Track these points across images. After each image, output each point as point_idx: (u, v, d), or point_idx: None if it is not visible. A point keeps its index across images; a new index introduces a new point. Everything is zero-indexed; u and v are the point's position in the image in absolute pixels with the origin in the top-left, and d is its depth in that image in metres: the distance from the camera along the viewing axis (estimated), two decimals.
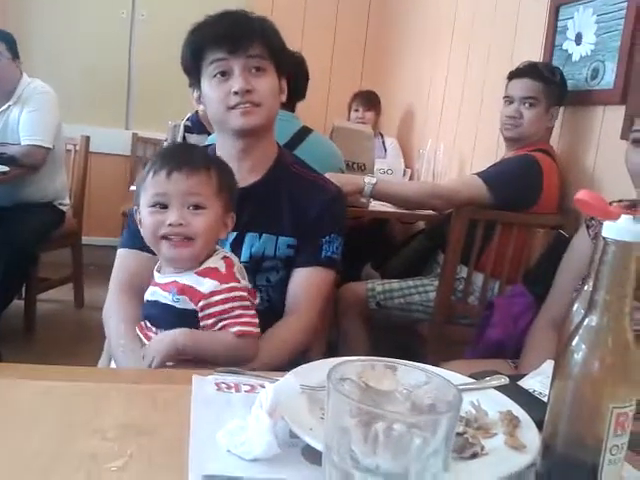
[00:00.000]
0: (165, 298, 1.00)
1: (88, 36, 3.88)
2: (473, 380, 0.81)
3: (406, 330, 2.24)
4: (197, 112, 2.96)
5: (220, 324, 0.98)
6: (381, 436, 0.48)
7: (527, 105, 2.06)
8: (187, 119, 2.97)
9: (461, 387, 0.55)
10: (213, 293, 0.96)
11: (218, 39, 1.13)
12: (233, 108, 1.14)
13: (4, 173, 2.48)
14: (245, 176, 1.20)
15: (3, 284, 2.59)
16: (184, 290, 0.97)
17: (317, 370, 0.74)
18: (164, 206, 0.97)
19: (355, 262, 2.58)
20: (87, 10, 3.86)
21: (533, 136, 2.08)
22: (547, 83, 2.05)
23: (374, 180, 2.03)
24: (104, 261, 3.03)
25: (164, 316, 1.01)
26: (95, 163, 3.43)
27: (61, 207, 2.92)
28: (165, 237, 0.97)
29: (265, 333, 1.12)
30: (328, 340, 2.11)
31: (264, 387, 0.70)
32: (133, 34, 3.97)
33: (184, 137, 2.90)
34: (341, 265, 1.26)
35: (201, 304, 0.97)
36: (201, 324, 0.98)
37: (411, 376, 0.55)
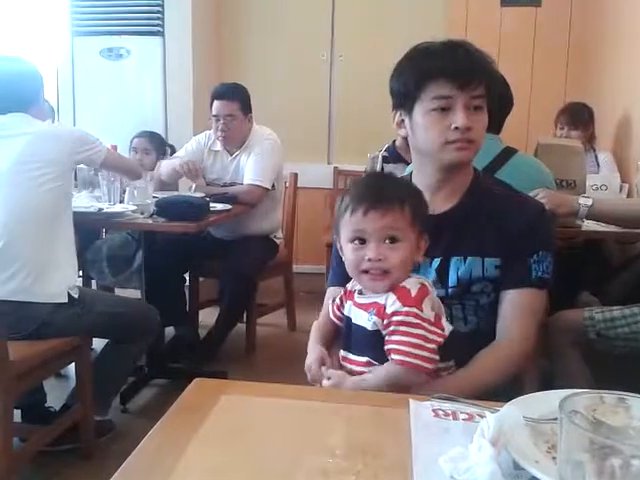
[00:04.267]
0: (361, 318, 1.05)
1: (293, 80, 4.22)
2: None
3: (633, 362, 2.02)
4: (394, 142, 3.05)
5: (388, 346, 1.01)
6: (618, 472, 0.45)
7: None
8: (384, 150, 3.07)
9: None
10: (393, 314, 1.00)
11: (446, 74, 1.12)
12: (451, 143, 1.14)
13: (227, 211, 2.79)
14: (440, 204, 1.20)
15: (230, 309, 2.91)
16: (379, 311, 1.02)
17: (539, 402, 0.72)
18: (363, 241, 1.04)
19: (569, 287, 2.42)
20: (291, 55, 4.20)
21: None
22: None
23: (590, 201, 1.89)
24: (312, 287, 3.24)
25: (356, 337, 1.07)
26: (302, 197, 3.69)
27: (275, 240, 3.21)
28: (365, 271, 1.04)
29: (472, 359, 1.11)
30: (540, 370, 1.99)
31: (483, 416, 0.70)
32: (333, 75, 4.24)
33: (382, 167, 3.01)
34: (553, 288, 1.20)
35: (385, 322, 1.01)
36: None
37: None
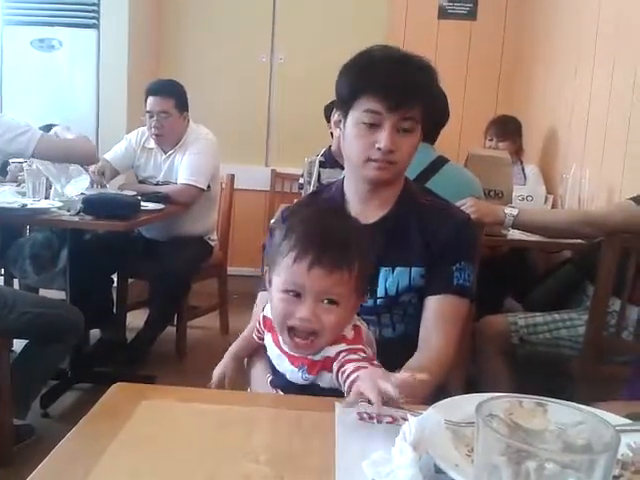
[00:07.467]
0: (288, 370, 0.98)
1: (231, 81, 4.16)
2: (629, 421, 0.75)
3: (553, 367, 2.11)
4: (330, 147, 3.07)
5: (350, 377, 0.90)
6: (532, 475, 0.46)
7: None
8: (321, 155, 3.09)
9: (617, 428, 0.52)
10: (340, 353, 0.93)
11: (378, 93, 1.11)
12: (372, 161, 1.14)
13: (160, 210, 2.73)
14: (370, 214, 1.21)
15: (160, 312, 2.84)
16: (311, 367, 0.95)
17: (460, 405, 0.74)
18: (297, 294, 0.92)
19: (495, 294, 2.50)
20: (231, 55, 4.15)
21: None
22: None
23: (515, 211, 1.96)
24: (246, 290, 3.20)
25: (282, 380, 1.01)
26: (238, 199, 3.65)
27: (210, 242, 3.15)
28: (291, 328, 0.93)
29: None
30: (467, 375, 2.04)
31: (406, 419, 0.70)
32: (272, 77, 4.22)
33: (319, 172, 3.01)
34: (476, 295, 1.23)
35: (335, 367, 0.93)
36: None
37: (563, 415, 0.53)
